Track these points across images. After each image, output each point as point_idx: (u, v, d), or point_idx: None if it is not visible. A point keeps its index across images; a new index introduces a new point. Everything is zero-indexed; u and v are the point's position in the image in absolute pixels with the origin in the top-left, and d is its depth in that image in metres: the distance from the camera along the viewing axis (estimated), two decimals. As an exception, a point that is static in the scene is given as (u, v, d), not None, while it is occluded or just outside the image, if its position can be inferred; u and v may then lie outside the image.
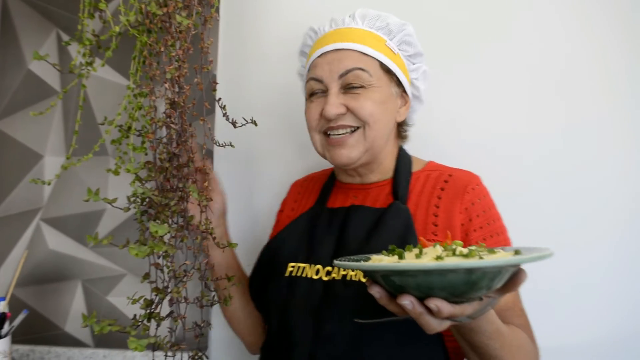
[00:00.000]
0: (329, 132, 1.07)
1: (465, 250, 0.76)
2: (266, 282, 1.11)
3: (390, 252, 0.83)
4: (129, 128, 1.08)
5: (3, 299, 1.26)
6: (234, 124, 1.10)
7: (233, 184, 1.36)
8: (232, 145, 1.13)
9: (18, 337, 1.42)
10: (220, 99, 1.10)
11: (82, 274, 1.45)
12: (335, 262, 0.85)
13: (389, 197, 1.10)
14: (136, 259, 1.43)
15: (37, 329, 1.44)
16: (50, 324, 1.45)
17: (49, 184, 1.18)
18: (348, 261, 0.85)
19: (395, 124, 1.13)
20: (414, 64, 1.13)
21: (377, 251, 0.94)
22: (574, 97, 1.36)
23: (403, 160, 1.14)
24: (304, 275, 1.06)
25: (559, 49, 1.37)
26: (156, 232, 0.93)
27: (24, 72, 1.49)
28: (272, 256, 1.13)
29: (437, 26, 1.39)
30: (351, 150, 1.06)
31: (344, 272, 1.01)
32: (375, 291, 0.80)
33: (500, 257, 0.72)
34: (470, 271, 0.70)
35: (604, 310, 1.32)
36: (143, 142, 1.04)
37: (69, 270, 1.45)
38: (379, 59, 1.07)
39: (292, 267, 1.08)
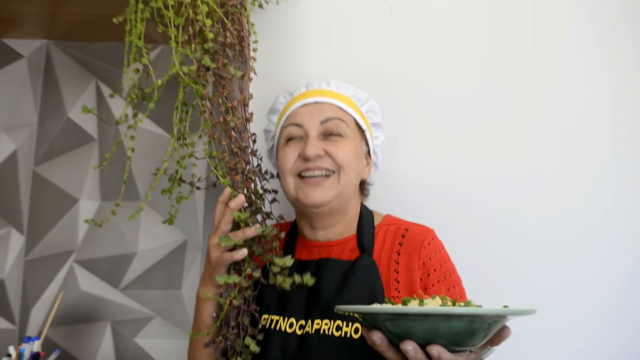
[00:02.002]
0: (303, 174, 1.11)
1: (462, 303, 0.84)
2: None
3: (386, 302, 0.90)
4: (180, 178, 1.14)
5: (37, 338, 1.29)
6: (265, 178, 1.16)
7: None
8: (276, 192, 1.18)
9: (47, 377, 1.46)
10: (257, 150, 1.15)
11: (111, 316, 1.49)
12: (340, 307, 0.89)
13: (354, 252, 1.13)
14: (163, 302, 1.47)
15: (67, 369, 1.48)
16: (79, 364, 1.48)
17: (100, 225, 1.23)
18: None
19: (359, 180, 1.19)
20: (376, 132, 1.23)
21: (349, 304, 1.00)
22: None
23: (366, 214, 1.19)
24: (277, 328, 1.07)
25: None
26: (239, 217, 1.01)
27: (64, 120, 1.57)
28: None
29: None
30: (325, 191, 1.10)
31: (318, 326, 1.04)
32: (377, 337, 0.84)
33: (494, 308, 0.79)
34: (473, 318, 0.77)
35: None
36: (192, 191, 1.10)
37: (98, 312, 1.49)
38: (353, 116, 1.16)
39: (266, 319, 1.09)
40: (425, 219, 1.21)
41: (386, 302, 0.92)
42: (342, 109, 1.16)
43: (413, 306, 0.83)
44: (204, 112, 1.08)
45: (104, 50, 1.58)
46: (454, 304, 0.84)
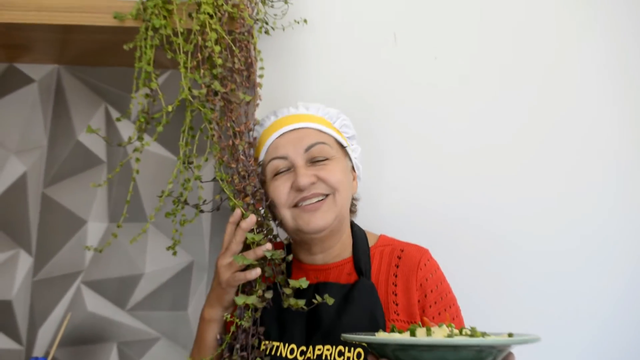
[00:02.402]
0: (300, 203, 1.11)
1: (469, 332, 0.86)
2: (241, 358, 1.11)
3: (392, 331, 0.92)
4: (185, 201, 1.16)
5: (44, 359, 1.30)
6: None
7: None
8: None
9: (54, 398, 1.46)
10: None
11: (117, 337, 1.50)
12: (348, 336, 0.90)
13: (351, 275, 1.13)
14: (170, 323, 1.48)
15: (73, 390, 1.48)
16: (85, 385, 1.49)
17: (100, 251, 1.25)
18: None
19: (352, 196, 1.20)
20: (352, 145, 1.23)
21: (349, 328, 1.00)
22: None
23: (359, 235, 1.19)
24: (278, 354, 1.06)
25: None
26: (253, 239, 1.03)
27: (73, 143, 1.59)
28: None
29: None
30: (325, 215, 1.10)
31: (319, 352, 1.03)
32: None
33: (501, 338, 0.82)
34: (481, 348, 0.80)
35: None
36: (197, 214, 1.13)
37: (105, 333, 1.50)
38: (333, 136, 1.16)
39: (266, 345, 1.08)
40: (421, 238, 1.23)
41: (392, 329, 0.93)
42: (321, 131, 1.15)
43: (422, 337, 0.84)
44: (213, 135, 1.10)
45: (113, 74, 1.61)
46: (460, 333, 0.86)
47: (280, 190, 1.12)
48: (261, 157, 1.17)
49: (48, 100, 1.62)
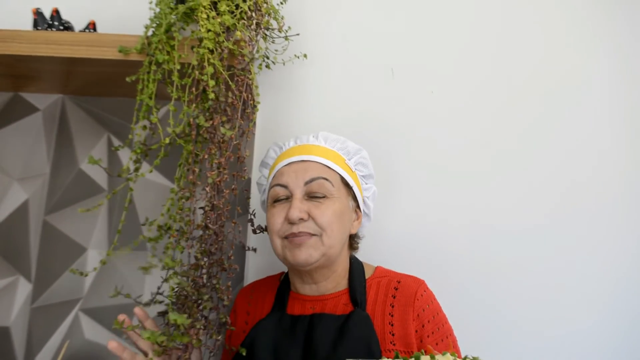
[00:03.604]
0: (289, 237, 1.13)
1: (471, 359, 0.88)
2: None
3: (395, 358, 0.92)
4: (168, 228, 1.17)
5: (40, 386, 1.32)
6: (254, 230, 1.20)
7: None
8: (254, 250, 1.25)
9: None
10: (250, 204, 1.20)
11: (114, 364, 1.51)
12: None
13: (347, 306, 1.15)
14: (166, 351, 1.48)
15: (67, 418, 1.48)
16: (80, 413, 1.49)
17: (86, 275, 1.26)
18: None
19: (349, 235, 1.21)
20: (366, 184, 1.24)
21: (346, 358, 1.01)
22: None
23: (356, 267, 1.20)
24: None
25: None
26: (175, 320, 0.98)
27: (75, 171, 1.62)
28: None
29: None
30: (310, 251, 1.11)
31: None
32: None
33: None
34: None
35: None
36: (178, 241, 1.12)
37: (102, 360, 1.51)
38: (339, 173, 1.17)
39: None
40: (417, 269, 1.26)
41: (396, 356, 0.94)
42: (327, 167, 1.16)
43: None
44: (200, 169, 1.13)
45: (116, 105, 1.65)
46: None
47: (275, 219, 1.14)
48: (270, 180, 1.21)
49: (52, 129, 1.65)
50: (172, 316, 0.99)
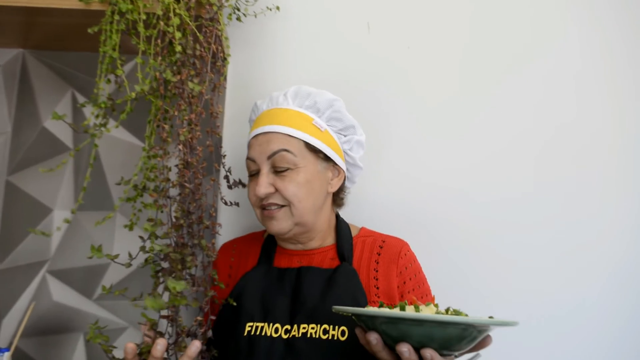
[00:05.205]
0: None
1: (452, 310, 0.93)
2: (226, 343, 1.14)
3: (380, 306, 0.96)
4: (144, 187, 1.14)
5: (7, 350, 1.28)
6: (229, 186, 1.19)
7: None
8: (237, 205, 1.20)
9: (18, 389, 1.44)
10: (224, 159, 1.17)
11: (84, 327, 1.48)
12: (339, 308, 0.94)
13: (334, 260, 1.19)
14: (137, 313, 1.45)
15: (37, 381, 1.46)
16: (51, 376, 1.46)
17: (48, 235, 1.22)
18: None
19: (329, 194, 1.22)
20: (345, 136, 1.22)
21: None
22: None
23: (342, 226, 1.25)
24: (263, 334, 1.09)
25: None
26: (174, 288, 0.98)
27: (38, 129, 1.56)
28: (228, 317, 1.15)
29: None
30: (280, 223, 1.14)
31: (304, 330, 1.08)
32: (373, 337, 0.90)
33: (485, 319, 0.87)
34: (466, 327, 0.85)
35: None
36: (156, 201, 1.09)
37: (71, 323, 1.48)
38: (303, 139, 1.15)
39: (250, 326, 1.11)
40: (402, 231, 1.28)
41: (380, 305, 0.98)
42: (289, 136, 1.14)
43: (412, 312, 0.89)
44: (171, 125, 1.09)
45: (80, 60, 1.58)
46: (447, 312, 0.92)
47: (251, 191, 1.18)
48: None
49: (12, 86, 1.58)
50: (171, 284, 1.00)
